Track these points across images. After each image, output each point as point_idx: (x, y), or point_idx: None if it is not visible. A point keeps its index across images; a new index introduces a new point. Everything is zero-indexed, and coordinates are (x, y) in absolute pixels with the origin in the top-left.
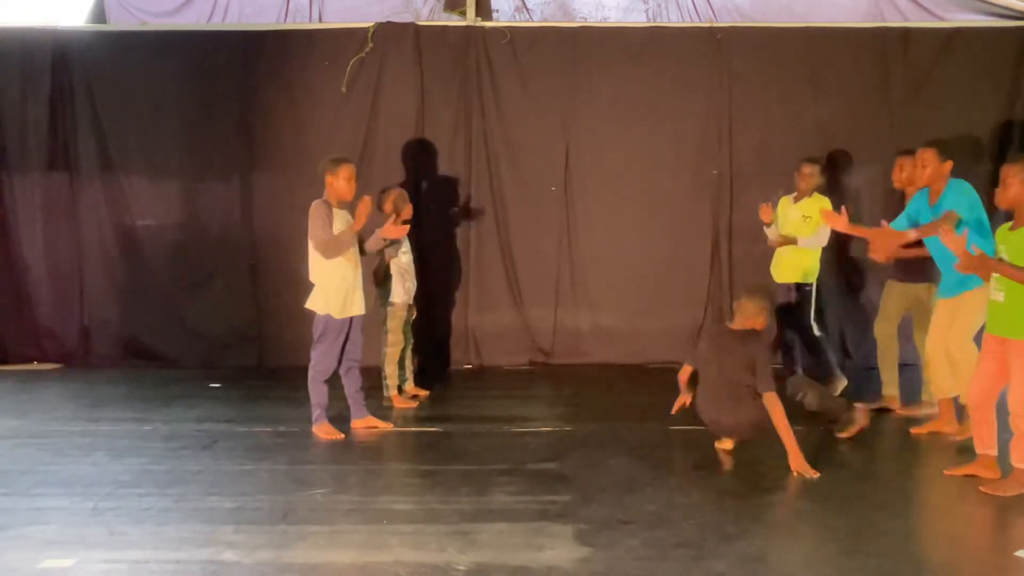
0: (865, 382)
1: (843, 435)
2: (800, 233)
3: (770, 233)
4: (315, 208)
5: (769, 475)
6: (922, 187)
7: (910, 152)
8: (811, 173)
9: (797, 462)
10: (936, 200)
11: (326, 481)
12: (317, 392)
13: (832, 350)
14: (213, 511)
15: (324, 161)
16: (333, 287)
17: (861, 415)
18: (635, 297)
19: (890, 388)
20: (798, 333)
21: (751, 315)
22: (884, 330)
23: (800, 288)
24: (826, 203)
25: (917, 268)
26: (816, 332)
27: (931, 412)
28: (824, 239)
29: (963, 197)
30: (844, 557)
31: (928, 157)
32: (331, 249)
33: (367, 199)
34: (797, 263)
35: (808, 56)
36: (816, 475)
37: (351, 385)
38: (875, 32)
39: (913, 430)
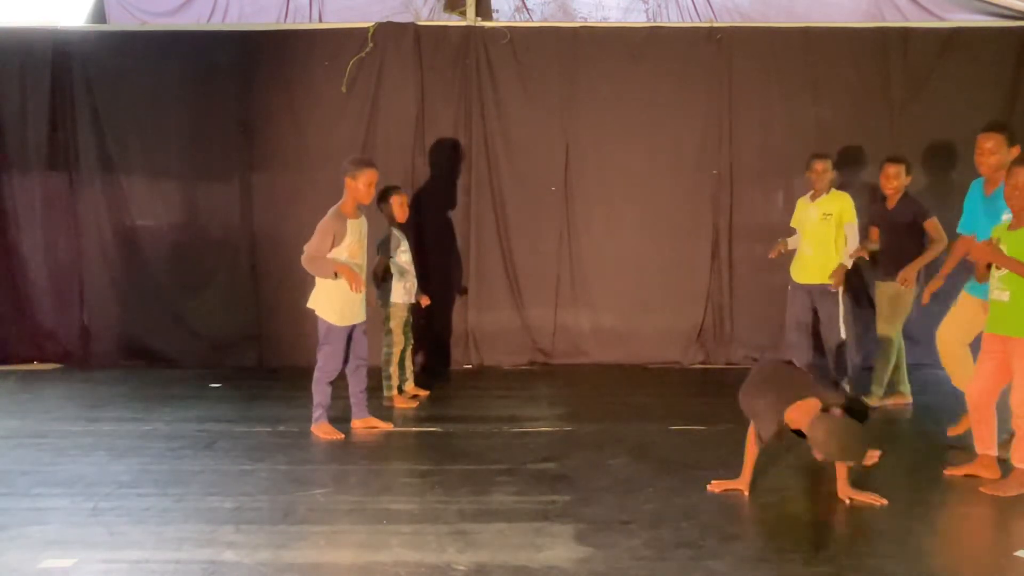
0: (864, 382)
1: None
2: (821, 232)
3: (781, 247)
4: (324, 223)
5: (769, 475)
6: (985, 176)
7: (896, 160)
8: (824, 169)
9: (845, 488)
10: (992, 191)
11: (326, 481)
12: (320, 392)
13: (851, 357)
14: (213, 511)
15: (346, 161)
16: (336, 291)
17: None
18: (635, 297)
19: (877, 388)
20: (815, 336)
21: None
22: (880, 330)
23: (827, 289)
24: (846, 199)
25: (893, 264)
26: (843, 335)
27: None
28: (855, 239)
29: None
30: (844, 557)
31: (993, 145)
32: (311, 266)
33: (359, 279)
34: (824, 263)
35: (808, 56)
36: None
37: (356, 384)
38: (875, 32)
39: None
